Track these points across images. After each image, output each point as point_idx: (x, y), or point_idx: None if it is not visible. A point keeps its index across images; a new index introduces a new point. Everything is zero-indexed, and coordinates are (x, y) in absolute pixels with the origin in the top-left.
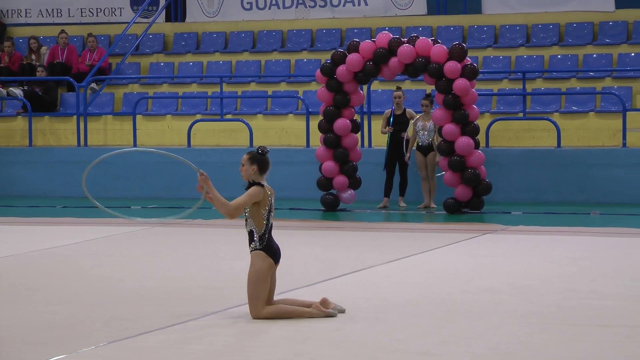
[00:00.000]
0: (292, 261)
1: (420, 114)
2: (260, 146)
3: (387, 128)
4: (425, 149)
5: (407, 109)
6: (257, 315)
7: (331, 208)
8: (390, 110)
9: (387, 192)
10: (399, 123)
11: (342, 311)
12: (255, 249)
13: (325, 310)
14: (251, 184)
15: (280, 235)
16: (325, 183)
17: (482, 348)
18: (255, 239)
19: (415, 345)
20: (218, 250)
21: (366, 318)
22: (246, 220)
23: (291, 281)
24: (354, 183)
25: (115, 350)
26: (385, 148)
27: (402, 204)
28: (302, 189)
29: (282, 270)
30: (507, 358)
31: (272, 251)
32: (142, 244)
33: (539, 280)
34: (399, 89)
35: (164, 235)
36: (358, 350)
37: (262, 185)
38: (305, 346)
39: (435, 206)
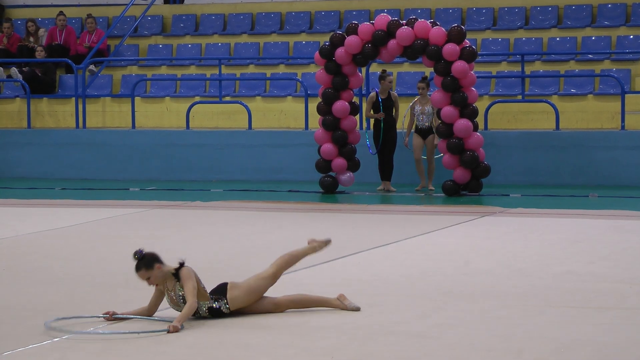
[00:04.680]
0: (290, 243)
1: (417, 97)
2: (135, 252)
3: (378, 113)
4: (424, 132)
5: (391, 92)
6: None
7: (330, 190)
8: (374, 93)
9: (383, 176)
10: (385, 107)
11: (357, 309)
12: (225, 304)
13: (346, 304)
14: (176, 271)
15: (278, 218)
16: (323, 165)
17: (479, 330)
18: (217, 306)
19: (412, 327)
20: (214, 233)
21: (363, 300)
22: (198, 309)
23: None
24: (353, 165)
25: (114, 331)
26: (371, 131)
27: (391, 189)
28: (301, 171)
29: (282, 252)
30: (504, 340)
31: (223, 287)
32: (140, 226)
33: (537, 262)
34: (385, 72)
35: (163, 217)
36: (354, 332)
37: (184, 265)
38: (301, 329)
39: (434, 188)
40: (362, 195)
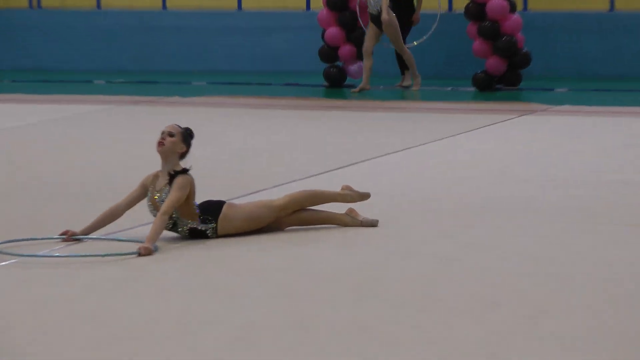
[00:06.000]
0: (290, 148)
1: None
2: (189, 128)
3: None
4: (376, 19)
5: None
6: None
7: (336, 83)
8: None
9: (403, 67)
10: None
11: (374, 224)
12: (213, 229)
13: (361, 219)
14: (175, 173)
15: (275, 117)
16: (328, 53)
17: (511, 252)
18: (202, 228)
19: (435, 248)
20: (195, 135)
21: (377, 217)
22: (175, 225)
23: (288, 172)
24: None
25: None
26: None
27: (407, 82)
28: (301, 60)
29: (277, 159)
30: (545, 264)
31: (217, 208)
32: (106, 127)
33: (586, 170)
34: None
35: (133, 115)
36: (367, 255)
37: (187, 172)
38: (308, 248)
39: (410, 84)
40: (375, 89)
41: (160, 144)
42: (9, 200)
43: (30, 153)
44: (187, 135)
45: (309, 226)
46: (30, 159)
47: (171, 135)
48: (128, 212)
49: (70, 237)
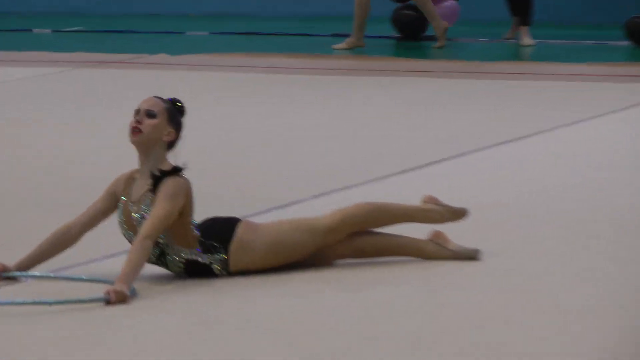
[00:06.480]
0: (338, 136)
1: None
2: (176, 99)
3: None
4: None
5: None
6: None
7: (412, 34)
8: None
9: (515, 11)
10: None
11: (473, 256)
12: (222, 262)
13: (454, 249)
14: (162, 174)
15: (316, 87)
16: None
17: None
18: (205, 261)
19: (560, 294)
20: (191, 114)
21: (474, 240)
22: (163, 255)
23: (337, 174)
24: None
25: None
26: None
27: (526, 39)
28: None
29: (320, 154)
30: None
31: (228, 229)
32: (54, 101)
33: None
34: None
35: (95, 83)
36: (461, 305)
37: (180, 172)
38: (371, 293)
39: (441, 44)
40: (472, 43)
41: (135, 130)
42: None
43: None
44: (174, 113)
45: (370, 258)
46: None
47: (151, 115)
48: (88, 235)
49: (0, 273)
